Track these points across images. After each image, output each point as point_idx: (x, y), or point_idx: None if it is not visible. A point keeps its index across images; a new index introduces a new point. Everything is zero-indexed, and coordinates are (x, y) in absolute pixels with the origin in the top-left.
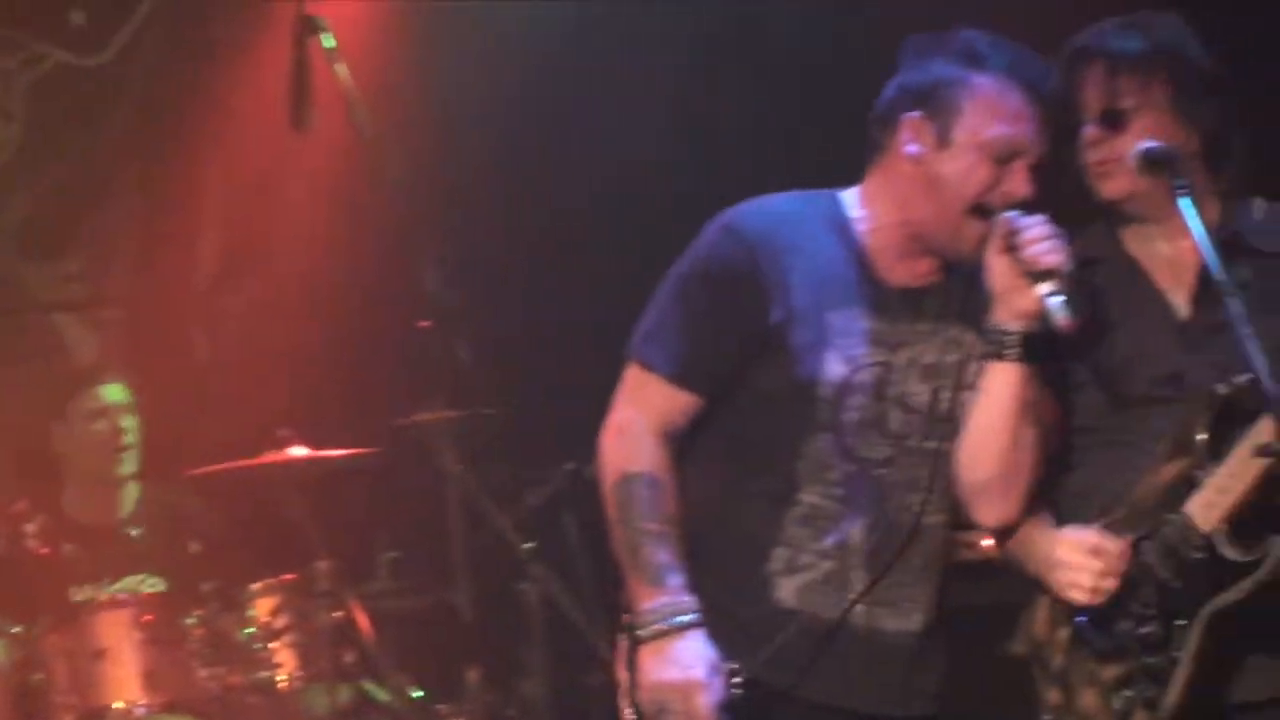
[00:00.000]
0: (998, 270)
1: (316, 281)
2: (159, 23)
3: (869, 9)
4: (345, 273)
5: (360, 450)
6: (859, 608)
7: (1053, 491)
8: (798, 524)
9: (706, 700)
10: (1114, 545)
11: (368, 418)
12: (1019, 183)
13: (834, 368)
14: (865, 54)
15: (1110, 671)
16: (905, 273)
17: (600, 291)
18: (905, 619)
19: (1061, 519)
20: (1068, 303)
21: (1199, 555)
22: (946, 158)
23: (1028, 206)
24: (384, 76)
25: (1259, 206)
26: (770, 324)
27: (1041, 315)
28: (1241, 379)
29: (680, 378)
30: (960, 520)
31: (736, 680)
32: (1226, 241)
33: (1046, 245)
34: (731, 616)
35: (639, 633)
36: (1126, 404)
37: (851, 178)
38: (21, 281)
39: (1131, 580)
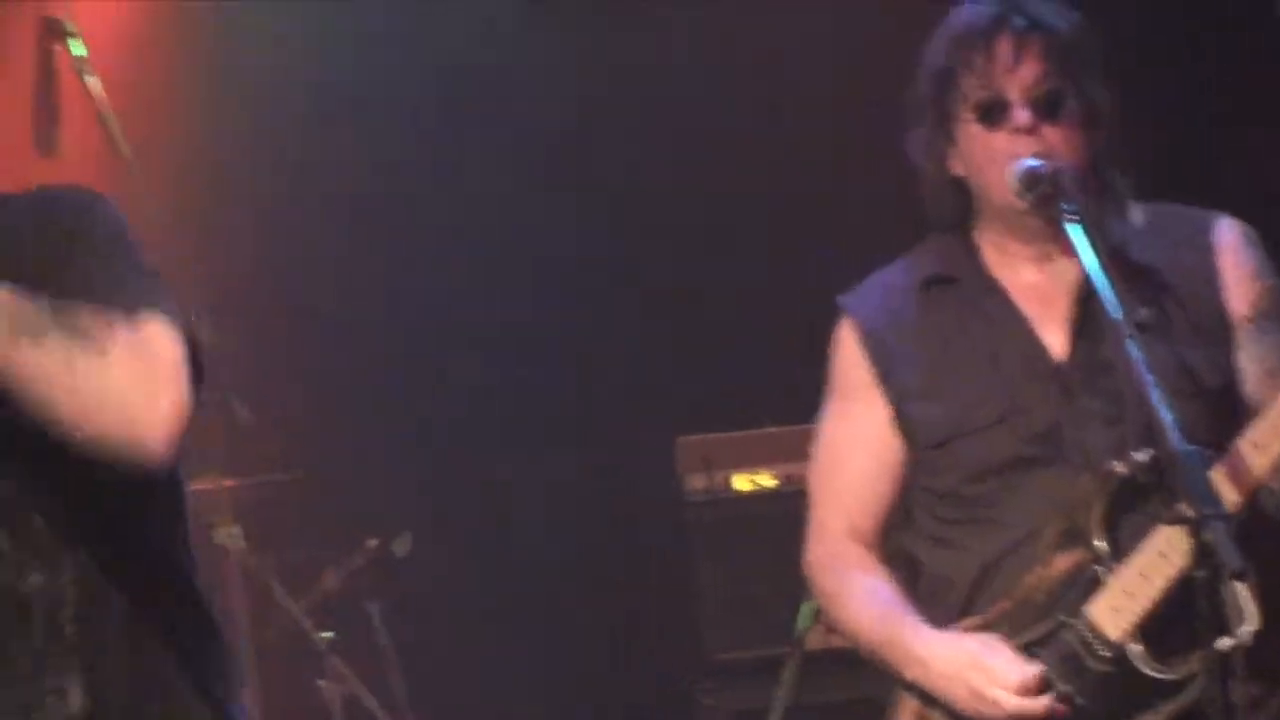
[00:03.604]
0: None
1: None
2: None
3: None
4: None
5: None
6: None
7: (907, 573)
8: None
9: None
10: (1031, 678)
11: None
12: None
13: None
14: None
15: None
16: None
17: (414, 341)
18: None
19: (919, 605)
20: None
21: (1106, 668)
22: None
23: None
24: (143, 88)
25: (1137, 210)
26: None
27: None
28: (1141, 455)
29: None
30: None
31: None
32: (1111, 263)
33: None
34: None
35: None
36: (992, 466)
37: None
38: None
39: None
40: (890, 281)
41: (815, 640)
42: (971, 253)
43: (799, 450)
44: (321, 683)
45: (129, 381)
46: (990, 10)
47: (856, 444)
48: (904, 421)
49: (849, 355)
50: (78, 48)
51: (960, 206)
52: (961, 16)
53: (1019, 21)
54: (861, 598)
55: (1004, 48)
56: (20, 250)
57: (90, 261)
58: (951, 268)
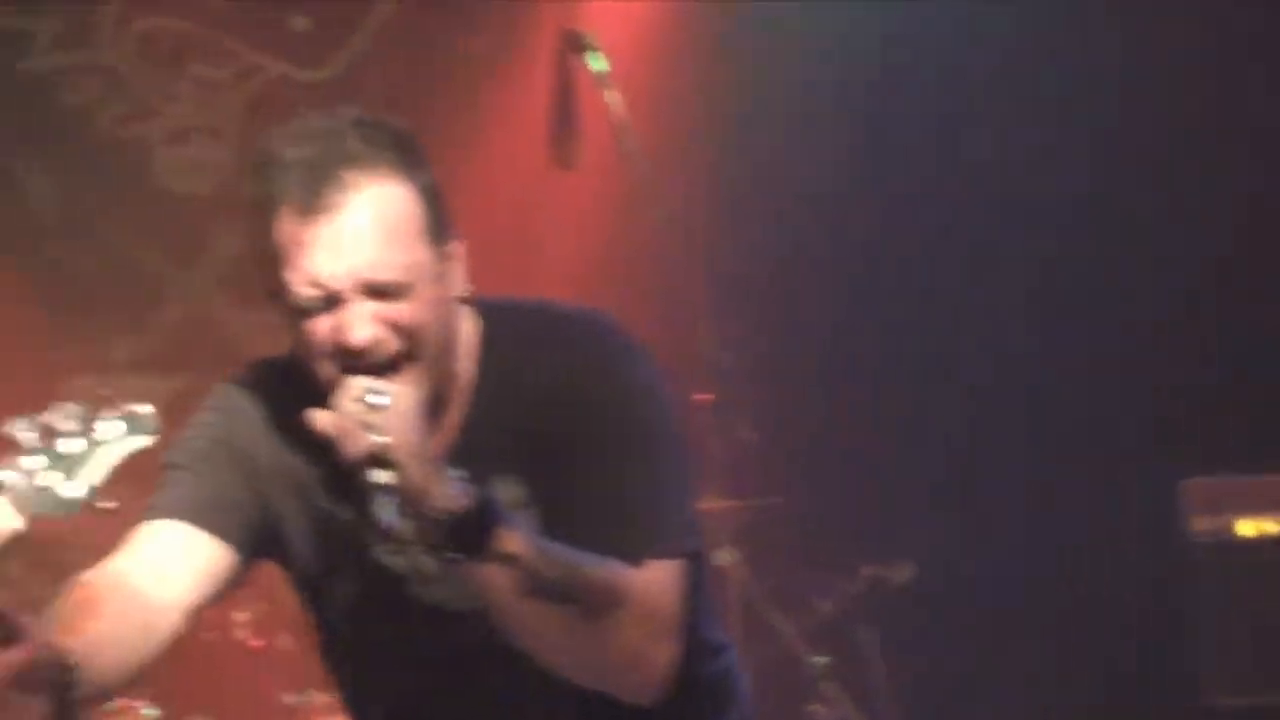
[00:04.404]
0: None
1: None
2: (396, 33)
3: None
4: None
5: None
6: None
7: None
8: None
9: None
10: None
11: None
12: None
13: None
14: None
15: None
16: None
17: (923, 361)
18: None
19: None
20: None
21: None
22: None
23: None
24: (662, 98)
25: None
26: None
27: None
28: None
29: None
30: None
31: None
32: None
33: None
34: None
35: None
36: None
37: None
38: (231, 334)
39: None
40: None
41: None
42: None
43: None
44: (814, 707)
45: (623, 649)
46: None
47: None
48: None
49: None
50: (598, 62)
51: None
52: None
53: None
54: None
55: None
56: (552, 411)
57: (617, 472)
58: None
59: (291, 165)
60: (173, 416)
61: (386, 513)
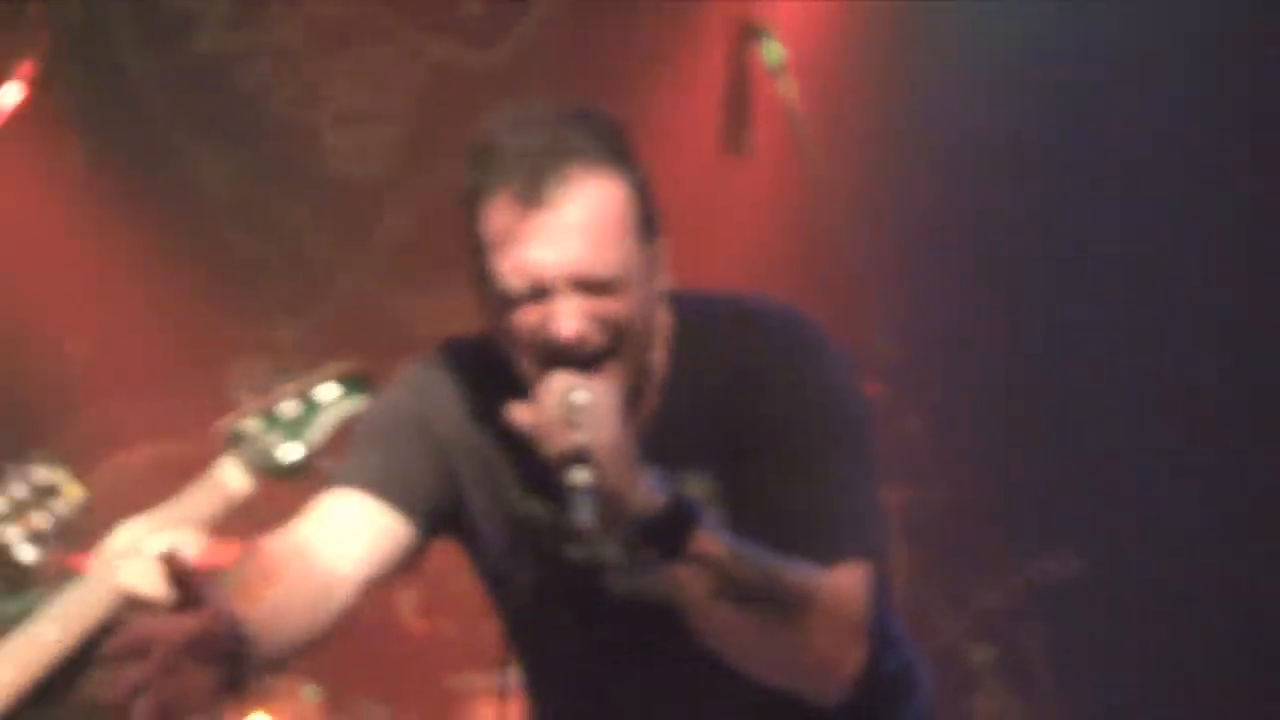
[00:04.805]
0: None
1: None
2: (568, 17)
3: None
4: None
5: None
6: None
7: None
8: None
9: None
10: None
11: None
12: None
13: None
14: None
15: None
16: None
17: (1096, 355)
18: None
19: None
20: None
21: None
22: None
23: None
24: (836, 91)
25: None
26: None
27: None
28: None
29: None
30: None
31: None
32: None
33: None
34: None
35: None
36: None
37: None
38: (398, 317)
39: None
40: None
41: None
42: None
43: None
44: (975, 701)
45: (813, 653)
46: None
47: None
48: None
49: None
50: (773, 51)
51: None
52: None
53: None
54: None
55: None
56: (744, 408)
57: (810, 470)
58: None
59: (512, 154)
60: None
61: (583, 511)
